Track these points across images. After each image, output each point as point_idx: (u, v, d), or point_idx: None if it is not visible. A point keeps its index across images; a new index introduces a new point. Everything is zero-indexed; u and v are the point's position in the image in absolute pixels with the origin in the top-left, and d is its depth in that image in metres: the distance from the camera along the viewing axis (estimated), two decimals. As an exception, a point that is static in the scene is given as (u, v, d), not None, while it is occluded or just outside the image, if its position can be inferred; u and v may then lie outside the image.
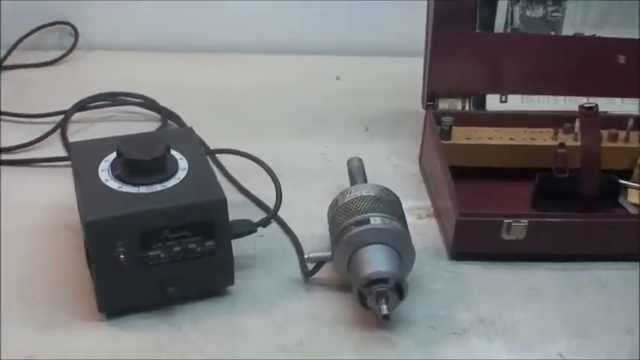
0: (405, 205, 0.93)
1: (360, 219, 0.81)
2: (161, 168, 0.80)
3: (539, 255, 0.89)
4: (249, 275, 0.85)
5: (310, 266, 0.84)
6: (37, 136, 1.05)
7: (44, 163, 1.01)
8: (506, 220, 0.86)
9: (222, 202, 0.78)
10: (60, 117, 1.10)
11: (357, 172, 0.93)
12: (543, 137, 1.02)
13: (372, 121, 1.15)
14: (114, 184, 0.78)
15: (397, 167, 1.05)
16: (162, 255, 0.77)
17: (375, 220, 0.81)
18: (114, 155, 0.82)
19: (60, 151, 1.05)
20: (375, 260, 0.78)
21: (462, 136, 1.01)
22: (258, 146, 1.04)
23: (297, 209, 0.95)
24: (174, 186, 0.79)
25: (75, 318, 0.78)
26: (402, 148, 1.09)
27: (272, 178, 0.87)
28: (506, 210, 0.91)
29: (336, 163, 1.04)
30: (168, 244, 0.76)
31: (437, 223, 0.95)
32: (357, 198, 0.84)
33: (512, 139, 1.01)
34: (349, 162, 0.96)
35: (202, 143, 1.04)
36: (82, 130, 1.10)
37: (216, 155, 1.03)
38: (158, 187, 0.78)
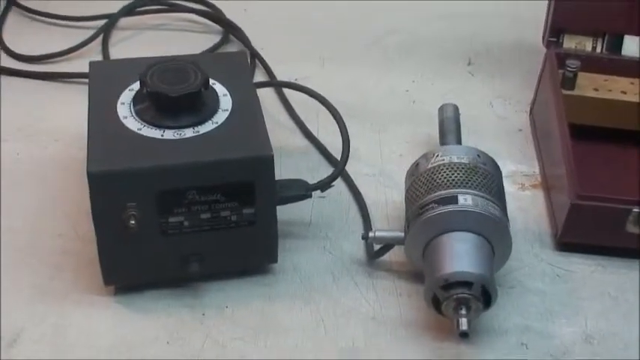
0: (506, 169, 0.73)
1: (446, 195, 0.62)
2: (194, 106, 0.62)
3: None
4: (297, 249, 0.68)
5: (376, 246, 0.66)
6: (74, 44, 0.89)
7: (75, 79, 0.85)
8: (635, 209, 0.66)
9: (268, 161, 0.60)
10: (103, 22, 0.93)
11: (449, 126, 0.73)
12: (695, 95, 0.79)
13: (477, 54, 0.93)
14: (132, 124, 0.61)
15: (501, 118, 0.84)
16: (185, 222, 0.60)
17: (465, 199, 0.61)
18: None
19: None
20: (459, 255, 0.59)
21: (590, 85, 0.79)
22: (332, 75, 0.87)
23: (369, 164, 0.77)
24: (210, 133, 0.61)
25: (76, 288, 0.63)
26: (510, 92, 0.87)
27: (340, 129, 0.67)
28: (636, 191, 0.70)
29: (424, 104, 0.85)
30: (195, 209, 0.60)
31: (544, 196, 0.75)
32: (444, 165, 0.64)
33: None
34: (442, 109, 0.76)
35: (268, 72, 0.87)
36: (128, 40, 0.92)
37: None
38: (188, 133, 0.61)
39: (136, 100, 0.63)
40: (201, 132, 0.61)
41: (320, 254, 0.68)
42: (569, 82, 0.78)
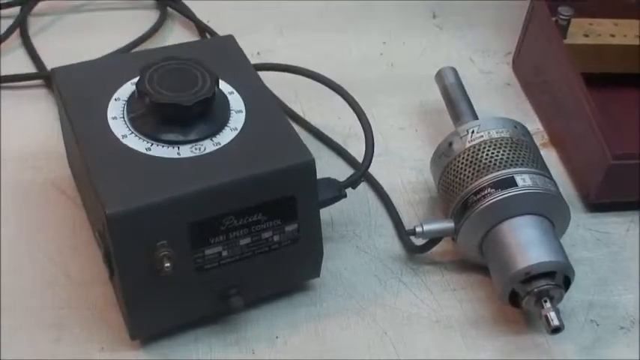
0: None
1: (502, 177, 0.56)
2: (207, 115, 0.52)
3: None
4: (329, 255, 0.59)
5: (418, 239, 0.60)
6: (-14, 40, 0.74)
7: (3, 84, 0.71)
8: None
9: (310, 167, 0.51)
10: (17, 9, 0.78)
11: (456, 94, 0.66)
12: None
13: (439, 7, 0.86)
14: (137, 144, 0.50)
15: (484, 72, 0.78)
16: (224, 253, 0.51)
17: (524, 180, 0.56)
18: (126, 90, 0.54)
19: (25, 62, 0.74)
20: (534, 244, 0.54)
21: (579, 32, 0.75)
22: (296, 46, 0.79)
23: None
24: (233, 143, 0.51)
25: (92, 347, 0.52)
26: (485, 44, 0.82)
27: (359, 117, 0.59)
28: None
29: (404, 67, 0.78)
30: (233, 235, 0.50)
31: (558, 155, 0.71)
32: (485, 143, 0.58)
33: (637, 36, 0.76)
34: (440, 75, 0.69)
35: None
36: (49, 28, 0.78)
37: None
38: (208, 146, 0.51)
39: (130, 112, 0.52)
40: (222, 143, 0.51)
41: (355, 256, 0.60)
42: (562, 31, 0.73)
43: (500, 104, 0.75)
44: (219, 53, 0.58)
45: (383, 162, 0.67)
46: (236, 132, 0.52)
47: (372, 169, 0.66)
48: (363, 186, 0.65)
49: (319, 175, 0.59)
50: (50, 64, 0.73)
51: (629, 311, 0.59)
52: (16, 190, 0.61)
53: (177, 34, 0.78)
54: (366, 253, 0.60)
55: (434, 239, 0.58)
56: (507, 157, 0.57)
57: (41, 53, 0.74)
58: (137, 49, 0.74)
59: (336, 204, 0.60)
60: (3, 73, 0.70)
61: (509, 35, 0.80)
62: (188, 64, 0.53)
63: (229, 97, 0.54)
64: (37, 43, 0.75)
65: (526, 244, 0.54)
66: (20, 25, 0.76)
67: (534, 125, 0.73)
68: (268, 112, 0.54)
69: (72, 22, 0.79)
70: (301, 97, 0.72)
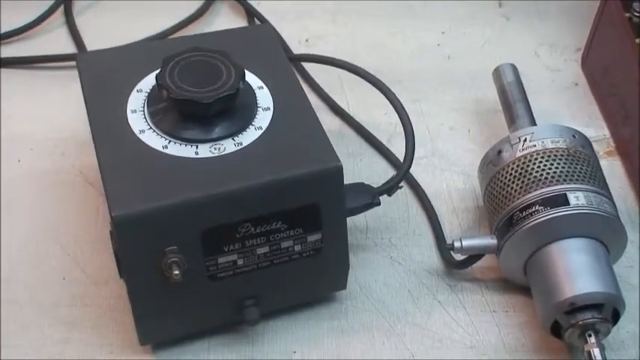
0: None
1: (552, 194, 0.50)
2: (230, 111, 0.48)
3: None
4: (360, 264, 0.55)
5: (460, 255, 0.55)
6: (29, 19, 0.72)
7: (42, 64, 0.69)
8: None
9: (337, 173, 0.47)
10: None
11: (514, 94, 0.61)
12: None
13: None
14: (154, 141, 0.47)
15: (551, 69, 0.72)
16: (239, 261, 0.47)
17: (577, 198, 0.50)
18: (150, 81, 0.51)
19: (65, 42, 0.72)
20: (582, 271, 0.48)
21: (658, 28, 0.68)
22: (349, 33, 0.75)
23: (417, 143, 0.64)
24: (256, 143, 0.47)
25: (100, 350, 0.50)
26: (554, 37, 0.75)
27: (401, 117, 0.54)
28: None
29: (462, 60, 0.72)
30: (250, 243, 0.47)
31: (623, 165, 0.65)
32: (537, 153, 0.52)
33: None
34: (498, 73, 0.63)
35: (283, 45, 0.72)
36: (95, 6, 0.76)
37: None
38: (229, 146, 0.47)
39: (151, 105, 0.49)
40: (244, 143, 0.47)
41: (388, 267, 0.56)
42: (636, 29, 0.66)
43: (564, 105, 0.69)
44: (253, 43, 0.54)
45: (428, 164, 0.63)
46: (261, 131, 0.48)
47: (415, 172, 0.62)
48: (404, 190, 0.61)
49: (355, 177, 0.55)
50: (92, 45, 0.71)
51: (690, 350, 0.53)
52: (42, 177, 0.59)
53: (224, 18, 0.75)
54: (400, 264, 0.56)
55: (475, 255, 0.54)
56: (561, 172, 0.51)
57: (84, 33, 0.72)
58: (180, 33, 0.71)
59: (373, 209, 0.56)
60: (41, 53, 0.69)
61: (582, 29, 0.73)
62: (214, 56, 0.49)
63: (258, 92, 0.50)
64: (80, 22, 0.73)
65: (574, 270, 0.48)
66: (65, 2, 0.74)
67: (601, 131, 0.67)
68: (298, 111, 0.50)
69: (119, 2, 0.76)
70: (347, 90, 0.67)
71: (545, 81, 0.71)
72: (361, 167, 0.62)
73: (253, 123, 0.49)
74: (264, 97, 0.50)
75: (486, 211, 0.56)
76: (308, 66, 0.70)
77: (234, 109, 0.48)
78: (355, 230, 0.58)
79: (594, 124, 0.68)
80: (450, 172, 0.62)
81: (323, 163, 0.47)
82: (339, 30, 0.74)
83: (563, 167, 0.52)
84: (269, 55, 0.54)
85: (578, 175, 0.51)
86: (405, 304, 0.54)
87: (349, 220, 0.53)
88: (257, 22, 0.73)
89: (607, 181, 0.62)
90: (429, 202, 0.60)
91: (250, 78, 0.51)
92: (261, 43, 0.55)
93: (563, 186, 0.51)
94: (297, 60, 0.68)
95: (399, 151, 0.63)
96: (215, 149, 0.47)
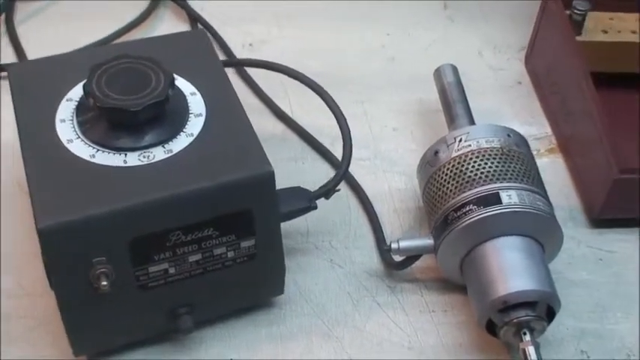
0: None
1: (485, 193, 0.51)
2: (161, 118, 0.48)
3: None
4: (299, 268, 0.55)
5: (398, 256, 0.55)
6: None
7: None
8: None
9: (268, 179, 0.47)
10: (0, -6, 0.75)
11: (454, 95, 0.61)
12: None
13: (453, -5, 0.81)
14: (82, 150, 0.46)
15: (494, 69, 0.73)
16: (170, 270, 0.47)
17: (510, 197, 0.50)
18: (80, 89, 0.50)
19: (5, 52, 0.71)
20: (516, 269, 0.48)
21: (597, 27, 0.68)
22: (293, 36, 0.75)
23: (359, 145, 0.63)
24: (186, 150, 0.47)
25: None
26: (497, 37, 0.75)
27: (338, 120, 0.54)
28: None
29: (406, 62, 0.72)
30: (181, 251, 0.47)
31: (565, 162, 0.65)
32: (472, 153, 0.53)
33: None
34: (439, 73, 0.63)
35: (219, 41, 0.72)
36: (39, 15, 0.75)
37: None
38: (158, 154, 0.47)
39: (80, 114, 0.48)
40: (174, 150, 0.47)
41: (328, 270, 0.56)
42: (577, 26, 0.67)
43: (506, 104, 0.69)
44: (186, 49, 0.54)
45: (371, 166, 0.63)
46: (192, 138, 0.48)
47: (358, 174, 0.62)
48: (345, 192, 0.61)
49: (298, 181, 0.55)
50: (34, 54, 0.70)
51: (626, 342, 0.53)
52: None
53: (167, 23, 0.74)
54: (340, 267, 0.56)
55: (413, 256, 0.54)
56: (495, 171, 0.51)
57: (26, 42, 0.71)
58: (123, 39, 0.71)
59: (314, 212, 0.56)
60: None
61: (526, 28, 0.74)
62: (143, 63, 0.49)
63: (190, 98, 0.50)
64: (22, 31, 0.72)
65: (507, 269, 0.48)
66: (6, 11, 0.73)
67: (543, 129, 0.68)
68: (230, 117, 0.50)
69: (62, 9, 0.75)
70: (291, 94, 0.67)
71: (488, 80, 0.71)
72: (304, 171, 0.62)
73: (184, 130, 0.48)
74: (196, 104, 0.50)
75: (425, 212, 0.56)
76: (252, 71, 0.69)
77: (165, 116, 0.48)
78: (296, 234, 0.58)
79: (537, 122, 0.68)
80: (392, 173, 0.63)
81: (254, 169, 0.47)
82: (284, 34, 0.74)
83: (496, 166, 0.52)
84: (202, 60, 0.53)
85: (512, 174, 0.52)
86: (345, 307, 0.54)
87: (289, 223, 0.53)
88: (200, 26, 0.73)
89: (549, 178, 0.63)
90: (370, 203, 0.60)
91: (182, 84, 0.51)
92: (195, 48, 0.54)
93: (496, 185, 0.51)
94: (234, 65, 0.68)
95: (340, 155, 0.63)
96: (144, 157, 0.47)
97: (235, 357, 0.50)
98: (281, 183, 0.54)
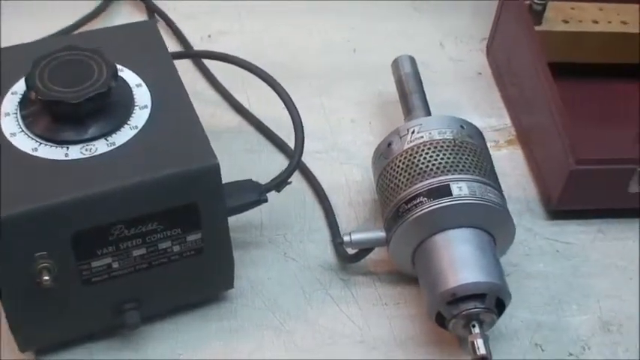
0: (474, 124, 0.62)
1: (436, 185, 0.50)
2: (104, 111, 0.47)
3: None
4: (252, 262, 0.55)
5: (351, 249, 0.55)
6: None
7: None
8: (640, 169, 0.57)
9: (213, 171, 0.46)
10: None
11: (410, 86, 0.61)
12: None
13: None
14: (25, 143, 0.46)
15: (455, 60, 0.72)
16: (114, 264, 0.46)
17: (460, 188, 0.50)
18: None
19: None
20: (465, 261, 0.48)
21: (558, 17, 0.68)
22: (254, 28, 0.74)
23: (317, 137, 0.64)
24: (129, 143, 0.46)
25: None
26: (460, 28, 0.75)
27: (290, 111, 0.54)
28: (624, 129, 0.62)
29: (367, 53, 0.72)
30: (125, 246, 0.46)
31: (524, 153, 0.65)
32: (424, 144, 0.52)
33: (624, 22, 0.69)
34: (396, 64, 0.63)
35: (175, 32, 0.71)
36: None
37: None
38: (101, 147, 0.46)
39: (24, 108, 0.48)
40: (117, 143, 0.46)
41: (282, 264, 0.55)
42: (537, 16, 0.67)
43: (466, 95, 0.68)
44: (135, 40, 0.53)
45: (328, 158, 0.62)
46: (136, 130, 0.47)
47: (314, 167, 0.61)
48: (301, 185, 0.60)
49: (253, 174, 0.54)
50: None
51: (581, 335, 0.53)
52: None
53: (125, 16, 0.73)
54: (294, 260, 0.55)
55: (365, 249, 0.53)
56: (446, 162, 0.51)
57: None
58: (79, 31, 0.70)
59: (269, 205, 0.55)
60: None
61: (489, 19, 0.72)
62: (87, 55, 0.48)
63: (136, 90, 0.49)
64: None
65: (456, 261, 0.48)
66: (-39, 2, 0.72)
67: (502, 120, 0.67)
68: (176, 109, 0.49)
69: (18, 3, 0.74)
70: (248, 87, 0.66)
71: (449, 71, 0.71)
72: (259, 163, 0.61)
73: (128, 122, 0.47)
74: (141, 96, 0.49)
75: (379, 204, 0.56)
76: (211, 63, 0.68)
77: (108, 109, 0.47)
78: (250, 227, 0.57)
79: (496, 114, 0.68)
80: (349, 165, 0.62)
81: (199, 162, 0.46)
82: (245, 26, 0.73)
83: (448, 158, 0.51)
84: (151, 52, 0.52)
85: (463, 166, 0.51)
86: (297, 300, 0.53)
87: (243, 217, 0.53)
88: (158, 18, 0.72)
89: (507, 169, 0.63)
90: (326, 196, 0.59)
91: (129, 76, 0.50)
92: (144, 40, 0.53)
93: (447, 177, 0.50)
94: (187, 57, 0.67)
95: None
96: (86, 150, 0.46)
97: (183, 352, 0.50)
98: (236, 175, 0.54)
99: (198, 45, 0.71)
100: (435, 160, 0.51)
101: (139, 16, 0.73)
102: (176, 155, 0.46)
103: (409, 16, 0.76)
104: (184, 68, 0.68)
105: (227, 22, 0.74)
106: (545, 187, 0.60)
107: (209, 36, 0.71)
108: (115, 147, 0.46)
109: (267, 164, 0.61)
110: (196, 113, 0.49)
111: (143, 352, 0.50)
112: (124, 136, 0.47)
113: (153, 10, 0.73)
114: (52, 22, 0.70)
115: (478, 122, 0.65)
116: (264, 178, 0.53)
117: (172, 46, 0.71)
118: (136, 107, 0.48)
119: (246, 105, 0.66)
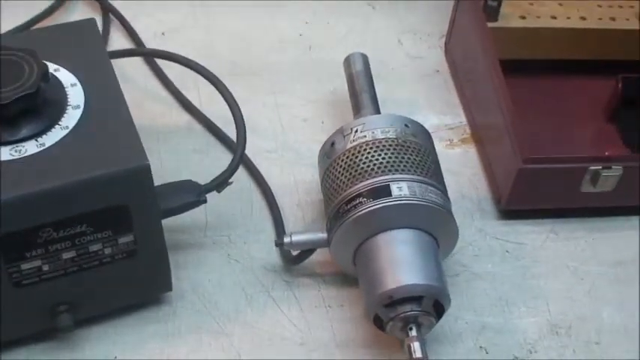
0: (428, 123, 0.62)
1: (376, 185, 0.49)
2: (34, 110, 0.47)
3: (628, 209, 0.60)
4: (194, 263, 0.54)
5: (294, 250, 0.54)
6: None
7: None
8: (592, 167, 0.56)
9: (144, 172, 0.45)
10: None
11: (360, 84, 0.60)
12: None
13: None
14: (-49, 145, 0.45)
15: (412, 57, 0.71)
16: (44, 267, 0.45)
17: (400, 189, 0.49)
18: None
19: None
20: (403, 263, 0.47)
21: (515, 13, 0.67)
22: (208, 25, 0.73)
23: (267, 136, 0.63)
24: (59, 144, 0.45)
25: None
26: (418, 24, 0.74)
27: (232, 110, 0.53)
28: (579, 127, 0.61)
29: (319, 52, 0.71)
30: (54, 248, 0.45)
31: (477, 152, 0.64)
32: (367, 144, 0.51)
33: (583, 18, 0.68)
34: (348, 62, 0.62)
35: (126, 28, 0.70)
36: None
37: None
38: (30, 148, 0.45)
39: (-47, 108, 0.47)
40: (47, 144, 0.45)
41: (225, 265, 0.54)
42: (493, 12, 0.66)
43: (422, 93, 0.68)
44: (73, 40, 0.52)
45: (277, 158, 0.61)
46: (66, 131, 0.46)
47: (263, 166, 0.61)
48: (249, 185, 0.59)
49: (200, 174, 0.53)
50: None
51: (528, 338, 0.52)
52: None
53: (79, 15, 0.72)
54: (237, 262, 0.55)
55: (307, 250, 0.52)
56: (387, 162, 0.50)
57: None
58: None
59: (214, 206, 0.54)
60: None
61: (447, 16, 0.72)
62: (18, 55, 0.47)
63: (70, 90, 0.48)
64: None
65: (394, 263, 0.47)
66: None
67: (457, 118, 0.66)
68: (110, 109, 0.48)
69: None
70: (200, 85, 0.65)
71: (406, 69, 0.70)
72: (207, 163, 0.60)
73: (60, 122, 0.47)
74: (75, 95, 0.48)
75: (324, 205, 0.55)
76: (163, 62, 0.68)
77: (40, 109, 0.46)
78: (194, 228, 0.56)
79: (451, 112, 0.67)
80: (299, 165, 0.61)
81: (129, 163, 0.45)
82: (198, 23, 0.72)
83: (390, 158, 0.50)
84: (88, 51, 0.51)
85: (405, 166, 0.50)
86: (238, 303, 0.52)
87: (186, 217, 0.52)
88: (112, 17, 0.71)
89: (460, 168, 0.62)
90: (273, 197, 0.58)
91: (64, 75, 0.49)
92: (82, 39, 0.52)
93: (388, 177, 0.49)
94: (125, 55, 0.65)
95: (250, 146, 0.61)
96: (16, 152, 0.45)
97: (120, 355, 0.49)
98: (184, 175, 0.53)
99: (151, 43, 0.70)
100: (377, 159, 0.50)
101: (93, 14, 0.72)
102: (106, 156, 0.45)
103: (364, 13, 0.75)
104: (136, 67, 0.68)
105: (181, 19, 0.73)
106: (496, 187, 0.60)
107: (162, 33, 0.70)
108: (44, 148, 0.45)
109: (215, 164, 0.59)
110: (130, 113, 0.48)
111: (80, 352, 0.49)
112: (54, 136, 0.46)
113: (107, 9, 0.72)
114: (6, 22, 0.69)
115: (433, 120, 0.65)
116: (210, 179, 0.53)
117: (126, 44, 0.70)
118: (68, 107, 0.47)
119: (197, 104, 0.65)
